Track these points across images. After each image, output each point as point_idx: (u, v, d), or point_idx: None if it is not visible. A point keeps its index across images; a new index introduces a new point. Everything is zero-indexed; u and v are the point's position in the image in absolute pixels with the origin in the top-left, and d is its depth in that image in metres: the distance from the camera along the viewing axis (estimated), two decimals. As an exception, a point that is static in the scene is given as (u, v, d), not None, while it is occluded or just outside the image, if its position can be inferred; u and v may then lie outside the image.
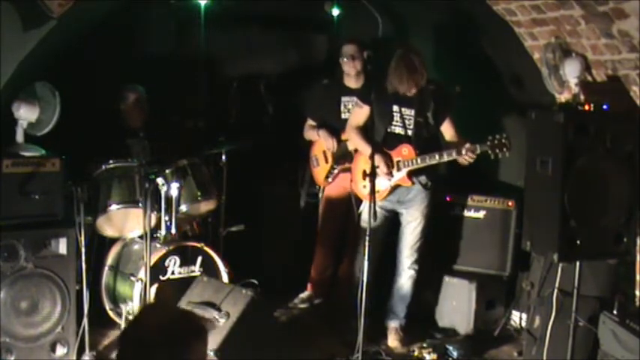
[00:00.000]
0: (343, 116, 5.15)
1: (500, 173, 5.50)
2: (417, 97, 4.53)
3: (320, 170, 5.25)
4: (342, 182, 5.13)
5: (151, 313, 2.27)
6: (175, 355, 2.06)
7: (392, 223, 4.79)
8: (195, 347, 2.10)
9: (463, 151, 4.37)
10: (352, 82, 5.17)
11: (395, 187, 4.63)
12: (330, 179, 5.20)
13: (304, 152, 5.35)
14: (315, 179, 5.31)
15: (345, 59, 5.09)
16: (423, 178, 4.62)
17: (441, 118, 4.61)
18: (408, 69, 4.42)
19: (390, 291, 4.86)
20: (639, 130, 3.78)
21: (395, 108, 4.57)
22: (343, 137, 5.11)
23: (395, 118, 4.58)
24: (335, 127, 5.15)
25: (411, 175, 4.57)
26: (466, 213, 5.15)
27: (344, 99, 5.17)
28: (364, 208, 4.66)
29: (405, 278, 4.78)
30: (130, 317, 4.48)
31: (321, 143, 5.19)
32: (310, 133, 5.26)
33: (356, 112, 4.73)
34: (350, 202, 4.89)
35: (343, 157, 5.12)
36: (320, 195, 5.31)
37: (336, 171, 5.17)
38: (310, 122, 5.29)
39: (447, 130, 4.65)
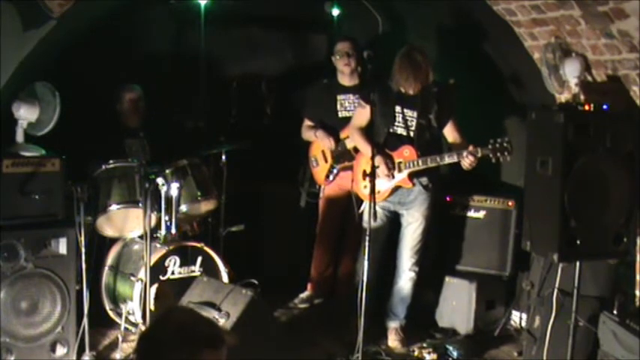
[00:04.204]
0: (340, 115, 5.16)
1: (501, 173, 5.50)
2: (420, 99, 4.52)
3: (320, 170, 5.26)
4: (342, 181, 5.13)
5: (174, 314, 2.28)
6: (190, 358, 2.06)
7: (393, 224, 4.79)
8: (210, 355, 2.10)
9: (464, 154, 4.36)
10: (346, 80, 5.17)
11: (396, 188, 4.63)
12: (330, 178, 5.21)
13: (304, 152, 5.35)
14: (315, 179, 5.32)
15: (338, 57, 5.10)
16: (423, 180, 4.62)
17: (444, 120, 4.59)
18: (412, 66, 4.41)
19: (390, 292, 4.86)
20: (639, 130, 3.78)
21: (397, 109, 4.56)
22: (342, 136, 5.12)
23: (397, 119, 4.57)
24: (332, 125, 5.16)
25: (412, 176, 4.57)
26: (466, 213, 5.15)
27: (339, 97, 5.17)
28: (365, 208, 4.66)
29: (406, 280, 4.78)
30: (131, 317, 4.49)
31: (320, 143, 5.20)
32: (308, 133, 5.27)
33: (359, 112, 4.72)
34: (349, 201, 4.89)
35: (342, 156, 5.13)
36: (321, 194, 5.32)
37: (336, 170, 5.18)
38: (308, 123, 5.30)
39: (450, 133, 4.63)
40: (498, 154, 4.30)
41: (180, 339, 2.08)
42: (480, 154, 4.35)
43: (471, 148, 4.36)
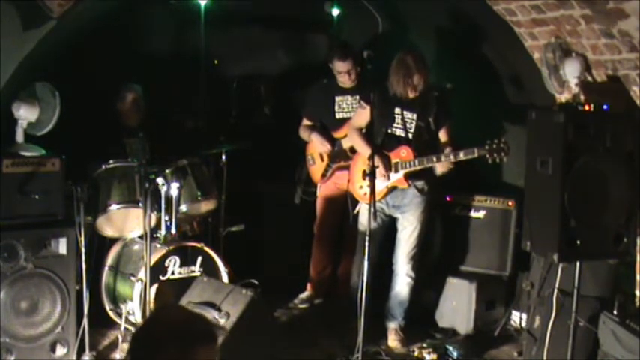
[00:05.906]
0: (337, 115, 5.17)
1: (501, 173, 5.50)
2: (420, 102, 4.53)
3: (316, 169, 5.27)
4: (338, 181, 5.15)
5: (166, 312, 2.29)
6: (183, 356, 2.07)
7: (389, 228, 4.78)
8: (203, 351, 2.10)
9: (450, 157, 4.39)
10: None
11: (391, 189, 4.63)
12: (326, 177, 5.21)
13: (304, 151, 5.35)
14: (312, 178, 5.32)
15: (339, 73, 5.09)
16: (419, 183, 4.62)
17: (441, 124, 4.60)
18: (406, 72, 4.43)
19: (388, 295, 4.85)
20: (639, 130, 3.78)
21: (397, 110, 4.57)
22: (338, 136, 5.12)
23: (396, 120, 4.58)
24: (329, 126, 5.17)
25: (408, 177, 4.57)
26: (466, 213, 5.15)
27: (337, 98, 5.18)
28: (360, 209, 4.66)
29: (402, 285, 4.78)
30: (131, 317, 4.49)
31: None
32: (305, 133, 5.28)
33: (359, 113, 4.73)
34: (347, 200, 4.89)
35: (338, 156, 5.15)
36: (317, 193, 5.32)
37: (331, 169, 5.18)
38: (306, 122, 5.31)
39: (442, 137, 4.64)
40: (495, 155, 4.30)
41: (173, 337, 2.08)
42: (476, 155, 4.36)
43: (447, 150, 4.43)
